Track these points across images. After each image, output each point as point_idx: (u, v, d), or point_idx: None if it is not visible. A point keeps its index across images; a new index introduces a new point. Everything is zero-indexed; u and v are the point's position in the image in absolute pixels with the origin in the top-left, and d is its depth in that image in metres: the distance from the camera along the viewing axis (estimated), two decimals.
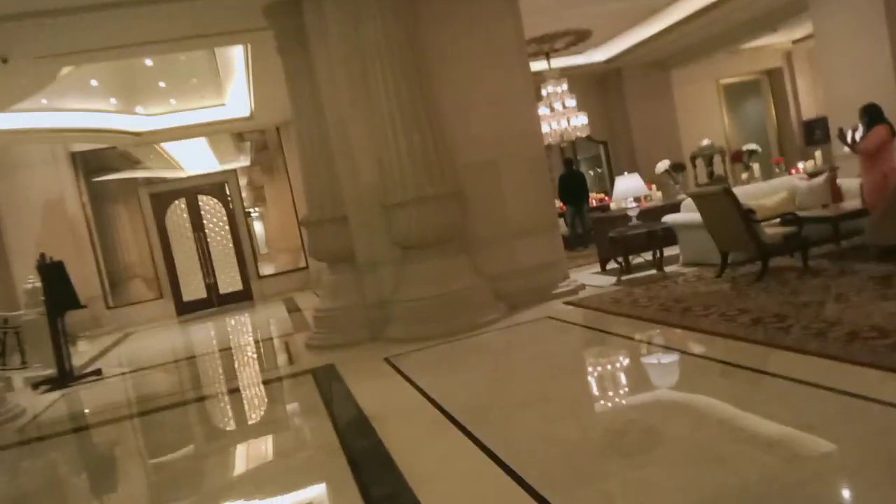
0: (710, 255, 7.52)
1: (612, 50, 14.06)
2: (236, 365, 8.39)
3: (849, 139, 7.04)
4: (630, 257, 8.14)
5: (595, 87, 15.91)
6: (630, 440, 3.32)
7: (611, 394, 4.41)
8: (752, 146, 9.95)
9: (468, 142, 7.30)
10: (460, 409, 4.17)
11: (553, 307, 7.08)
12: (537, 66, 11.44)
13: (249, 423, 5.61)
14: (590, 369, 5.14)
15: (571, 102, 11.81)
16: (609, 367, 5.05)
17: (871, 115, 6.92)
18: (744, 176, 9.60)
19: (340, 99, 7.05)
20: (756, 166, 9.41)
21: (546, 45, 11.62)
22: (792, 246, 6.61)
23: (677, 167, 9.19)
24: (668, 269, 7.97)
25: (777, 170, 9.33)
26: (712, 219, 6.81)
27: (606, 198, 12.80)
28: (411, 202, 6.64)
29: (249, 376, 7.49)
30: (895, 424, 2.93)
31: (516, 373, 5.18)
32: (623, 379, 4.70)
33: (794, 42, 15.90)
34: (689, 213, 8.02)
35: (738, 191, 7.36)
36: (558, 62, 12.71)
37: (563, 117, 11.69)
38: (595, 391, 4.50)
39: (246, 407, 6.10)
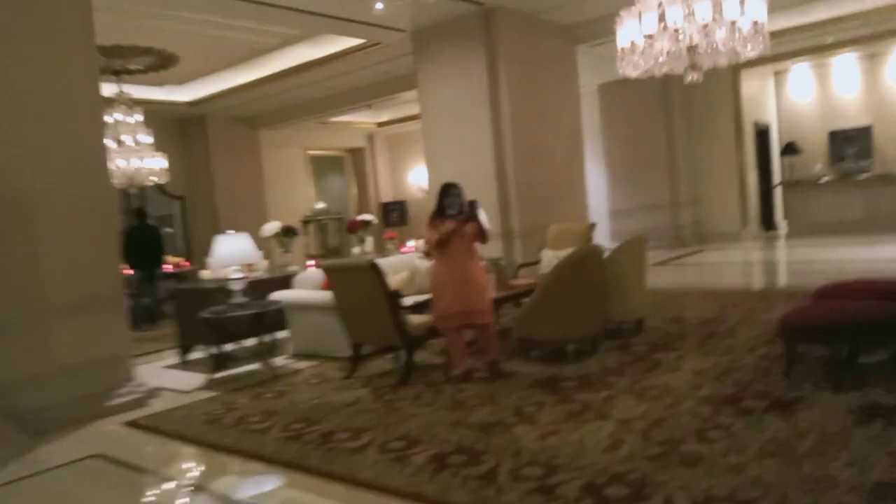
0: (328, 344, 5.81)
1: (197, 91, 11.78)
2: None
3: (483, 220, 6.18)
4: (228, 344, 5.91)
5: (176, 132, 13.28)
6: None
7: None
8: (368, 217, 8.77)
9: None
10: None
11: (107, 432, 4.41)
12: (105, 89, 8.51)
13: None
14: None
15: (146, 139, 9.10)
16: None
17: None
18: (356, 249, 8.29)
19: None
20: (370, 239, 8.21)
21: (119, 62, 8.79)
22: (433, 336, 5.30)
23: (289, 231, 7.36)
24: (277, 360, 5.98)
25: (390, 245, 8.26)
26: (349, 300, 5.11)
27: (185, 262, 10.26)
28: None
29: None
30: None
31: None
32: None
33: (379, 125, 15.96)
34: (303, 291, 6.21)
35: None
36: (133, 90, 9.89)
37: (134, 155, 8.89)
38: None
39: None
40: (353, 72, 10.64)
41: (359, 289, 4.97)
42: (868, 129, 12.97)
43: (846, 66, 13.15)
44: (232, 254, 5.61)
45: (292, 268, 7.06)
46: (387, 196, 16.74)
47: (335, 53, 9.87)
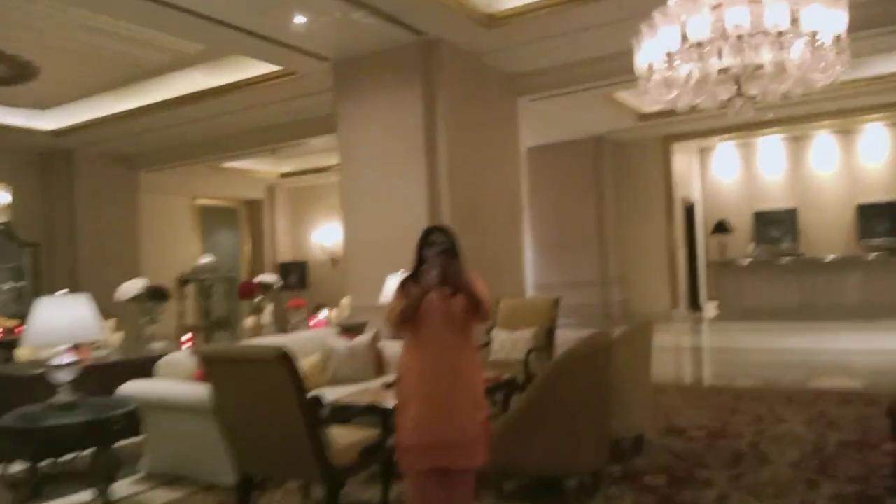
0: (202, 464, 3.92)
1: (64, 118, 9.60)
2: None
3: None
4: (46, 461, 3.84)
5: (33, 166, 10.91)
6: None
7: None
8: (269, 278, 6.85)
9: None
10: None
11: None
12: None
13: None
14: None
15: None
16: None
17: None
18: (249, 321, 6.35)
19: None
20: (269, 308, 6.32)
21: None
22: (367, 463, 3.52)
23: (157, 294, 5.37)
24: (119, 486, 3.95)
25: (295, 317, 6.41)
26: (239, 405, 3.27)
27: (20, 327, 7.85)
28: None
29: None
30: None
31: None
32: None
33: (283, 175, 14.13)
34: (167, 383, 4.27)
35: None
36: None
37: None
38: None
39: None
40: (259, 107, 8.91)
41: (257, 390, 3.16)
42: (793, 211, 12.60)
43: (771, 146, 12.85)
44: (60, 325, 3.63)
45: (157, 345, 5.07)
46: (286, 256, 14.76)
47: (239, 82, 8.14)
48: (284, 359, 3.00)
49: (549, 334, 5.57)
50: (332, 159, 10.22)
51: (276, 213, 14.81)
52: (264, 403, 3.16)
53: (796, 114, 10.56)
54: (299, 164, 13.39)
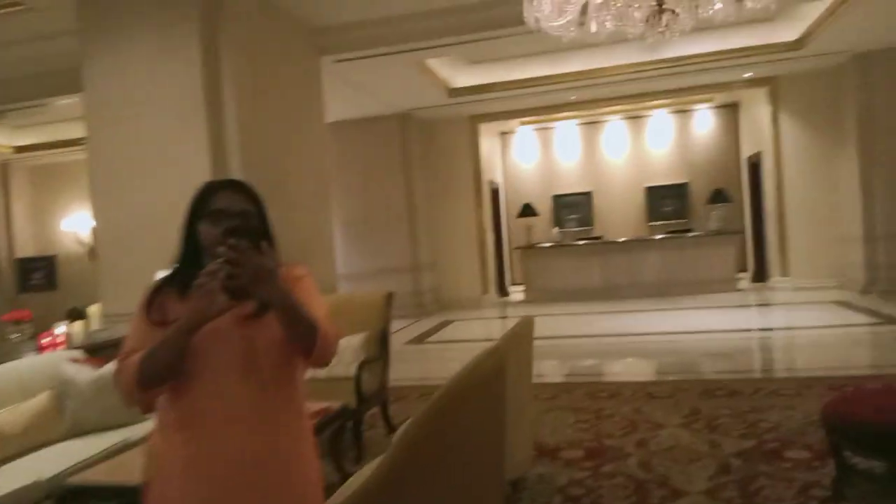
0: None
1: None
2: None
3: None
4: None
5: None
6: None
7: None
8: None
9: None
10: None
11: None
12: None
13: None
14: None
15: None
16: None
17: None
18: None
19: None
20: None
21: None
22: None
23: None
24: None
25: (14, 334, 4.39)
26: None
27: None
28: None
29: None
30: None
31: None
32: None
33: (18, 149, 11.08)
34: None
35: None
36: None
37: None
38: None
39: None
40: None
41: None
42: (588, 195, 12.68)
43: (567, 131, 12.80)
44: None
45: None
46: (26, 250, 11.71)
47: None
48: None
49: (382, 340, 4.31)
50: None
51: (11, 197, 11.66)
52: None
53: (592, 97, 10.44)
54: (42, 135, 10.55)
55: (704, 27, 8.75)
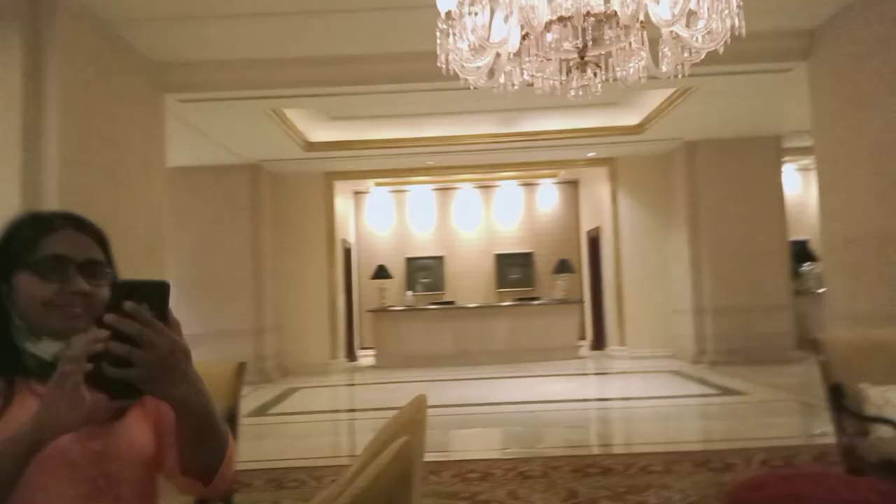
0: None
1: None
2: None
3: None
4: None
5: None
6: None
7: None
8: None
9: None
10: None
11: None
12: None
13: None
14: None
15: None
16: None
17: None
18: None
19: None
20: None
21: None
22: None
23: None
24: None
25: None
26: None
27: None
28: None
29: None
30: None
31: None
32: None
33: None
34: None
35: None
36: None
37: None
38: None
39: None
40: None
41: None
42: (441, 259, 12.62)
43: (421, 195, 12.77)
44: None
45: None
46: None
47: None
48: None
49: (230, 421, 3.61)
50: None
51: None
52: None
53: (447, 163, 10.51)
54: None
55: (557, 105, 9.23)
